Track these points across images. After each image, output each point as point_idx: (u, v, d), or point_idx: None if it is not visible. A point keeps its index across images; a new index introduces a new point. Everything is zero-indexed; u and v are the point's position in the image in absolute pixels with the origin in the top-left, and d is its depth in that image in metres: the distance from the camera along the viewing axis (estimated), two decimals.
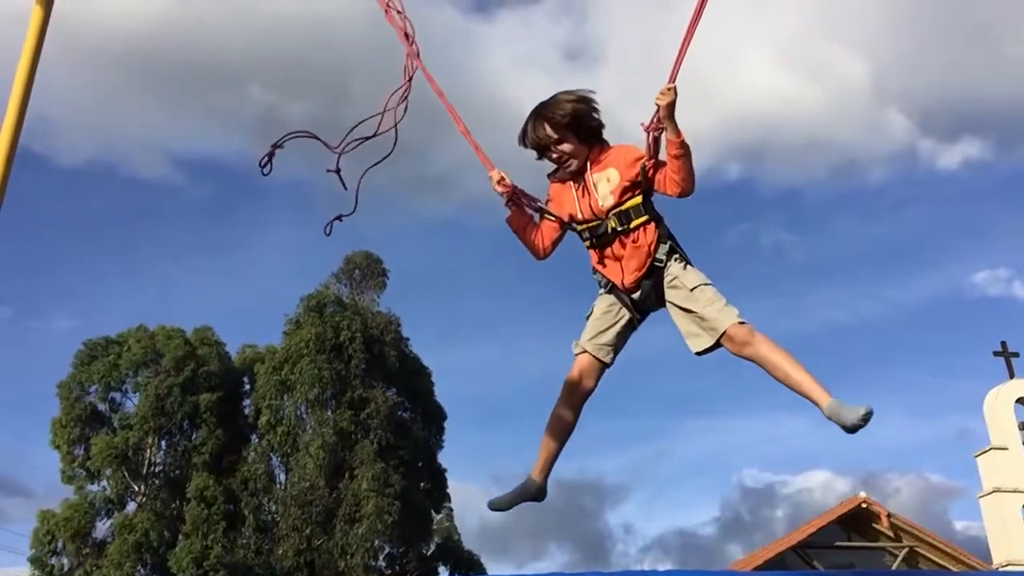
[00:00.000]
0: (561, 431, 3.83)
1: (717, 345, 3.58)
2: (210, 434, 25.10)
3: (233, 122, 47.62)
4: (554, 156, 3.77)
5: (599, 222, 3.69)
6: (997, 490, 18.02)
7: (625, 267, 3.67)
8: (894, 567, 19.85)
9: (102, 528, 24.63)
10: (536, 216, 3.88)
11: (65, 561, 24.26)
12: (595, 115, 3.74)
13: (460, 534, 27.48)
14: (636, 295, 3.70)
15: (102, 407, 26.06)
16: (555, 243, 3.88)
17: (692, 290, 3.59)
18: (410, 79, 4.01)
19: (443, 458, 27.43)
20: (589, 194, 3.71)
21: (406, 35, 4.09)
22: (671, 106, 3.46)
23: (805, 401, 3.57)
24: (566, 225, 3.81)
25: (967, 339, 58.97)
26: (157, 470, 25.77)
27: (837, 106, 55.68)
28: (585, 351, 3.74)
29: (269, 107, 44.75)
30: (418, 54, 4.03)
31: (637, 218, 3.65)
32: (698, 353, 3.62)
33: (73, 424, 25.13)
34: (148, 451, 25.43)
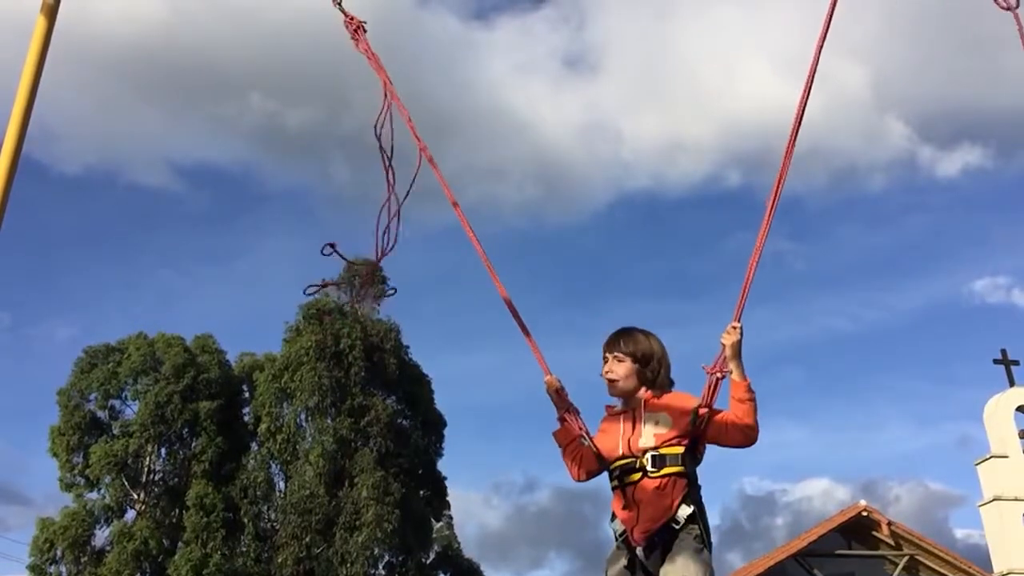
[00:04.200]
0: None
1: None
2: (210, 442, 25.06)
3: (233, 130, 47.76)
4: (605, 367, 3.66)
5: (632, 459, 3.49)
6: (998, 498, 18.00)
7: (642, 514, 3.41)
8: (895, 575, 19.82)
9: (101, 536, 24.60)
10: (582, 440, 3.68)
11: (64, 569, 24.18)
12: (660, 365, 3.61)
13: (460, 542, 27.46)
14: (643, 552, 3.44)
15: (101, 414, 26.03)
16: (591, 474, 3.66)
17: None
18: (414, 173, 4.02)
19: (443, 466, 27.42)
20: (634, 430, 3.54)
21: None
22: (737, 345, 3.30)
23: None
24: (603, 463, 3.61)
25: (967, 347, 59.03)
26: (156, 478, 25.72)
27: (837, 114, 55.74)
28: None
29: (269, 115, 44.88)
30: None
31: (672, 466, 3.41)
32: None
33: (72, 432, 25.09)
34: (147, 459, 25.38)
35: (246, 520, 24.30)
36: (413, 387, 26.93)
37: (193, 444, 25.51)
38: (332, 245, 4.02)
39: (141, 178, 51.94)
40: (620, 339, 3.64)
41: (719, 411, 3.43)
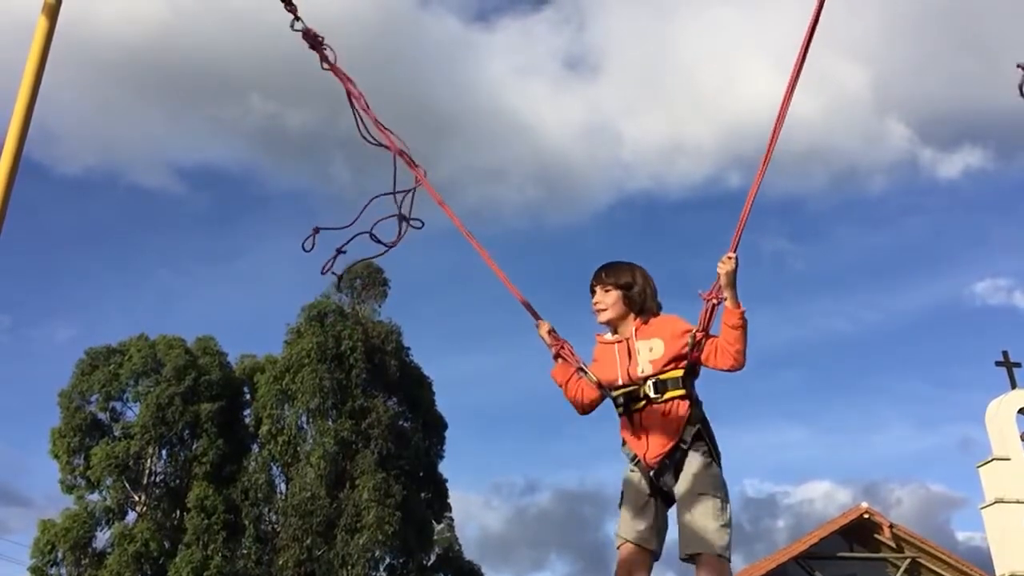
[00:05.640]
0: None
1: (694, 559, 3.43)
2: (211, 444, 25.07)
3: (234, 131, 47.73)
4: (594, 299, 3.84)
5: (635, 387, 3.63)
6: (999, 501, 17.95)
7: (651, 440, 3.56)
8: None
9: (102, 538, 24.64)
10: (579, 373, 3.83)
11: (65, 571, 24.21)
12: (644, 289, 3.79)
13: (461, 544, 27.50)
14: (656, 475, 3.56)
15: (102, 416, 26.05)
16: (594, 403, 3.82)
17: (699, 494, 3.45)
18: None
19: (444, 468, 27.45)
20: (631, 359, 3.68)
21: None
22: (732, 274, 3.45)
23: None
24: (603, 391, 3.75)
25: (968, 349, 58.98)
26: (157, 480, 25.73)
27: (837, 115, 55.77)
28: (626, 541, 3.56)
29: (270, 116, 44.90)
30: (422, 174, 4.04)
31: (673, 390, 3.57)
32: (682, 560, 3.49)
33: (73, 433, 25.11)
34: (148, 460, 25.39)
35: (247, 522, 24.31)
36: (414, 389, 26.94)
37: (194, 446, 25.51)
38: (316, 229, 4.01)
39: (142, 179, 51.96)
40: (604, 272, 3.84)
41: (712, 336, 3.58)
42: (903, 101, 56.37)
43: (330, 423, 25.11)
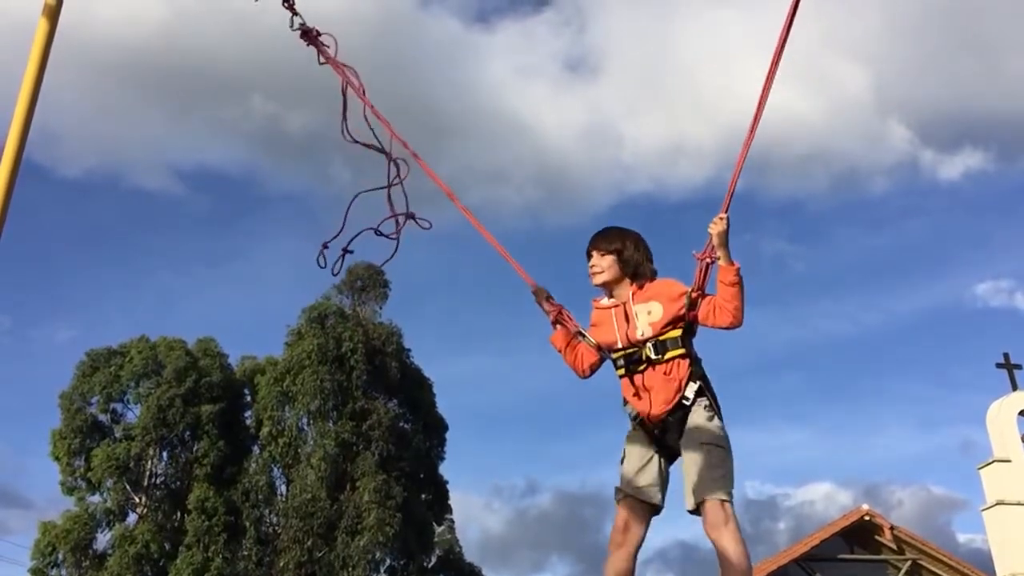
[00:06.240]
0: None
1: (699, 510, 3.50)
2: (211, 445, 25.06)
3: (234, 133, 47.77)
4: (590, 263, 3.91)
5: (634, 350, 3.70)
6: (1000, 503, 17.95)
7: (654, 399, 3.63)
8: None
9: (102, 539, 24.61)
10: (577, 338, 3.90)
11: (65, 573, 24.19)
12: (638, 253, 3.85)
13: (461, 546, 27.46)
14: (660, 431, 3.64)
15: (103, 418, 26.04)
16: (594, 367, 3.90)
17: (702, 444, 3.53)
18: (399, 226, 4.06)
19: (444, 469, 27.42)
20: (629, 323, 3.74)
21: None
22: (724, 234, 3.52)
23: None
24: (603, 352, 3.82)
25: (969, 351, 58.94)
26: (158, 481, 25.72)
27: (838, 117, 55.82)
28: (627, 496, 3.65)
29: (271, 118, 44.92)
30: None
31: (673, 350, 3.65)
32: (689, 512, 3.56)
33: (74, 435, 25.10)
34: (149, 462, 25.38)
35: (247, 524, 24.29)
36: (415, 391, 26.93)
37: (195, 447, 25.51)
38: (325, 245, 4.03)
39: (142, 181, 51.95)
40: (599, 237, 3.92)
41: (708, 295, 3.65)
42: (904, 102, 56.40)
43: (331, 425, 25.10)
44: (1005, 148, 55.79)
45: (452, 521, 27.28)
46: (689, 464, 3.55)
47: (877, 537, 20.23)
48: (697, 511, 3.51)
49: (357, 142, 4.09)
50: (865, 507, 20.36)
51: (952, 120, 59.51)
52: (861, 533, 20.28)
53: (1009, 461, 18.16)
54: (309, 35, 4.09)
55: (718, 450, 3.53)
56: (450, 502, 27.21)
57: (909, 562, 19.93)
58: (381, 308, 27.80)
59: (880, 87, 53.70)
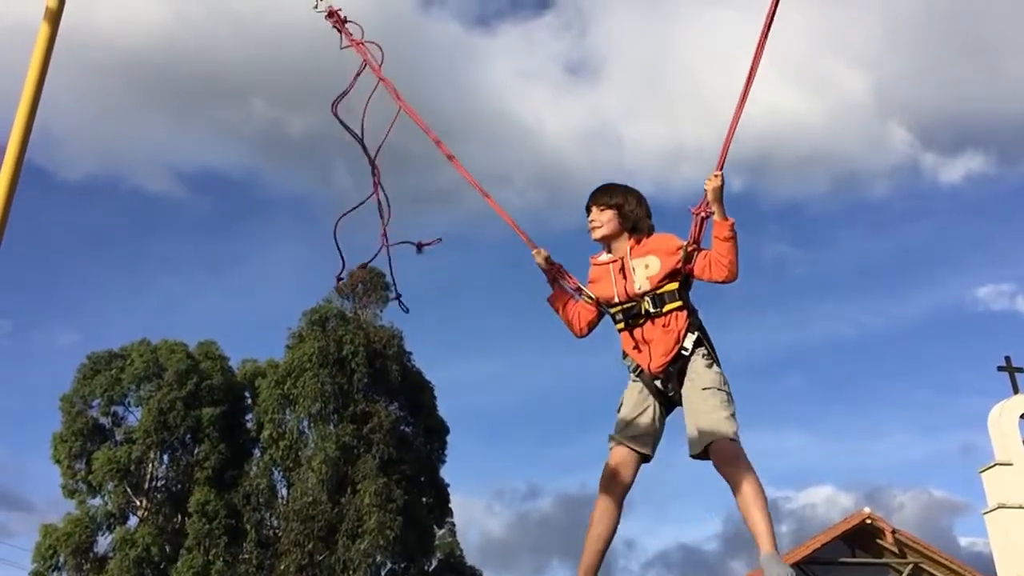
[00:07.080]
0: (604, 531, 3.78)
1: (706, 454, 3.55)
2: (212, 448, 25.06)
3: (236, 136, 47.81)
4: (589, 218, 3.95)
5: (633, 303, 3.77)
6: (1002, 506, 17.93)
7: (653, 351, 3.70)
8: None
9: (103, 542, 24.62)
10: (576, 296, 3.97)
11: (66, 575, 24.19)
12: (637, 207, 3.90)
13: (462, 549, 27.42)
14: (661, 383, 3.71)
15: (104, 421, 26.04)
16: (591, 324, 3.96)
17: (703, 390, 3.61)
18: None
19: (445, 473, 27.40)
20: (626, 278, 3.80)
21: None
22: (719, 191, 3.57)
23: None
24: (602, 307, 3.88)
25: (971, 354, 58.89)
26: (159, 484, 25.72)
27: (839, 120, 55.83)
28: (620, 443, 3.73)
29: (272, 121, 44.97)
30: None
31: (671, 303, 3.72)
32: (692, 457, 3.62)
33: (75, 438, 25.10)
34: (150, 465, 25.38)
35: (248, 527, 24.28)
36: (415, 394, 26.93)
37: (196, 451, 25.50)
38: (339, 277, 4.11)
39: (143, 184, 51.91)
40: (599, 192, 3.97)
41: (704, 249, 3.70)
42: (905, 106, 56.36)
43: (331, 428, 25.09)
44: (1006, 151, 55.83)
45: (453, 524, 27.28)
46: (692, 410, 3.61)
47: (879, 540, 20.20)
48: (701, 455, 3.57)
49: (341, 122, 4.13)
50: (866, 510, 20.32)
51: (953, 123, 59.61)
52: (863, 536, 20.25)
53: (1011, 464, 18.14)
54: (335, 16, 4.16)
55: (721, 393, 3.61)
56: (451, 505, 27.22)
57: (911, 565, 19.90)
58: (382, 311, 27.84)
59: (881, 90, 53.76)
